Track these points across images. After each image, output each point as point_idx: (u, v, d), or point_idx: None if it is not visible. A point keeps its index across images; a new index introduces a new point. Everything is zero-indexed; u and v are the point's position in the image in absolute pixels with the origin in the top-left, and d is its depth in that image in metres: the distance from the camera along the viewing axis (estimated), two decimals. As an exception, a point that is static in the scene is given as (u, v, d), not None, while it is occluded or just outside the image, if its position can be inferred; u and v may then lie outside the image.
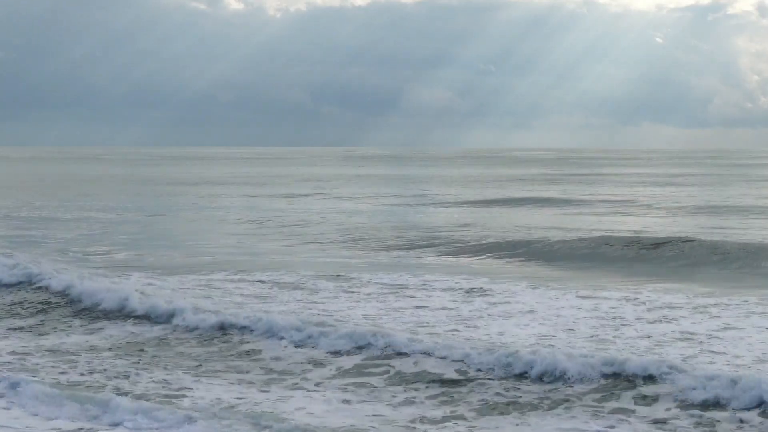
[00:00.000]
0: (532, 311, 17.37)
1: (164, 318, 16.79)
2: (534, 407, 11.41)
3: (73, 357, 14.20)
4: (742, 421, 10.66)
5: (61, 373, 13.22)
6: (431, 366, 13.09)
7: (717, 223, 35.43)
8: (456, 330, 15.68)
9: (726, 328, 15.50)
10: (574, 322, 16.28)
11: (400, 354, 13.72)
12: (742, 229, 32.74)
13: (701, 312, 17.01)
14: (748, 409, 10.89)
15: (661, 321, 16.22)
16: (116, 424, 10.83)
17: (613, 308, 17.49)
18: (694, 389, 11.36)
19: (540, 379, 12.42)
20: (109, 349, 14.81)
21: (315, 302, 18.58)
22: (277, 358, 14.03)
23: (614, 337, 15.03)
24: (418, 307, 17.90)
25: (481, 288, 20.08)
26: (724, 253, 25.09)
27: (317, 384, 12.63)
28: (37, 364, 13.76)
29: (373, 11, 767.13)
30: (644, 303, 18.02)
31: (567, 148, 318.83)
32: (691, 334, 15.11)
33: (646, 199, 49.09)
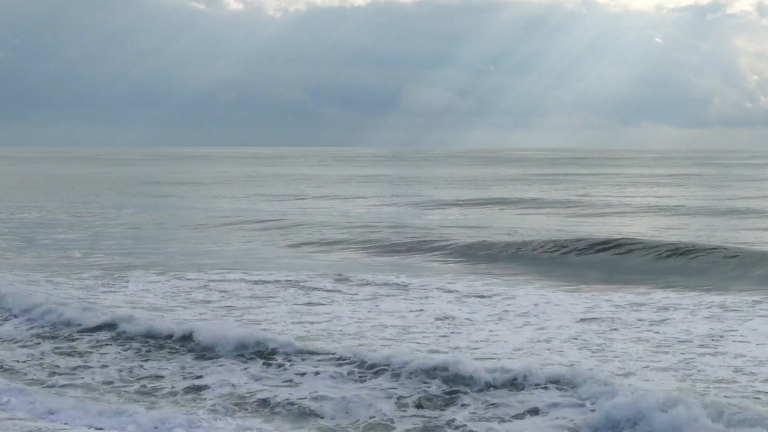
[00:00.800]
0: (525, 314, 17.36)
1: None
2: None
3: None
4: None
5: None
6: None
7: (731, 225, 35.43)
8: (444, 335, 15.67)
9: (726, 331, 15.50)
10: (562, 327, 16.26)
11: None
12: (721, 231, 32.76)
13: (711, 316, 17.00)
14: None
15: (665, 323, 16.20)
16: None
17: (611, 311, 17.47)
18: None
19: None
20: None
21: (311, 303, 18.60)
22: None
23: (603, 342, 15.01)
24: (412, 311, 17.90)
25: (473, 293, 20.06)
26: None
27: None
28: None
29: (372, 11, 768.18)
30: (646, 304, 17.99)
31: (567, 148, 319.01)
32: (697, 336, 15.09)
33: (643, 201, 49.13)
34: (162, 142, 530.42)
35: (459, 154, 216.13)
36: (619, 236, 29.26)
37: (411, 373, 12.46)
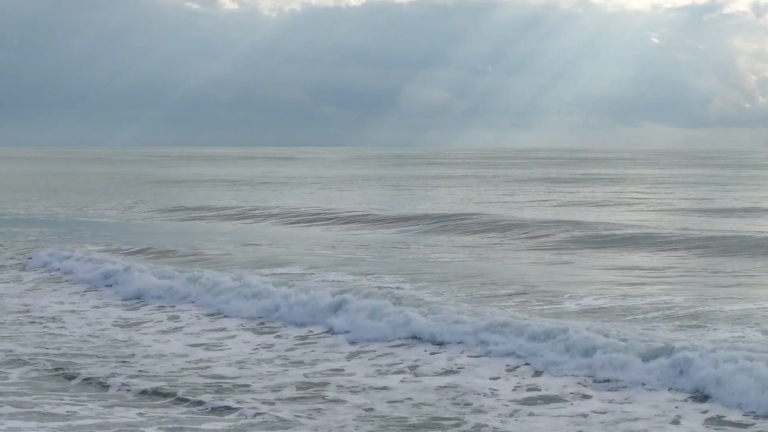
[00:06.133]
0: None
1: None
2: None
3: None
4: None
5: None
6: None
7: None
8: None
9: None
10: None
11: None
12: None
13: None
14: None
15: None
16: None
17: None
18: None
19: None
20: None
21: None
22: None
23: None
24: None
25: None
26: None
27: None
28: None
29: (368, 11, 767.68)
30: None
31: (565, 148, 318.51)
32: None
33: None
34: (161, 142, 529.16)
35: (451, 154, 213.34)
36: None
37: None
